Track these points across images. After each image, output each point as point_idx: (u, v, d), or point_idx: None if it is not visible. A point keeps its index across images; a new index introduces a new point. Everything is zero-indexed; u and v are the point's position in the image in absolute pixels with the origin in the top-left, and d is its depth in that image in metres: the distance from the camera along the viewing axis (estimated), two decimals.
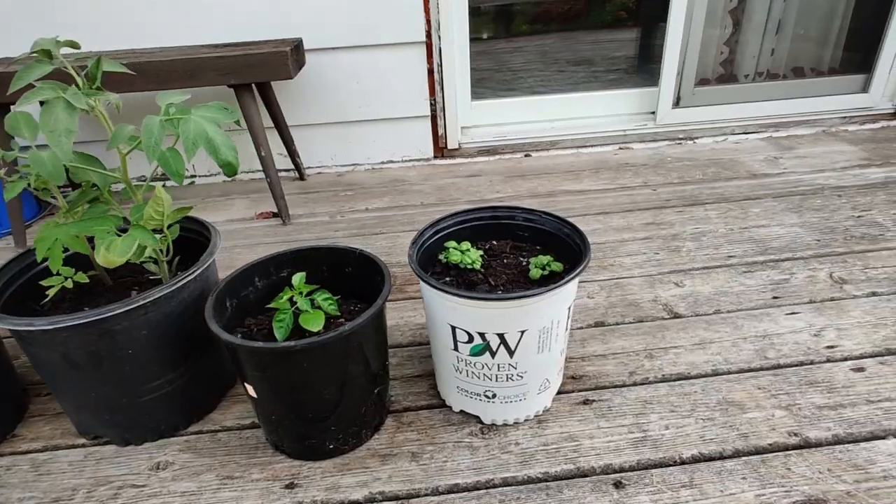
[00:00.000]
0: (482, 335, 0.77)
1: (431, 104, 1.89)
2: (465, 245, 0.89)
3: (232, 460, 0.85)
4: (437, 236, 0.92)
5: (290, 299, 0.81)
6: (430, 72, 1.83)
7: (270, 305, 0.81)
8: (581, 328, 1.09)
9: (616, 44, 3.34)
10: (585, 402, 0.91)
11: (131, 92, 1.38)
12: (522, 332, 0.77)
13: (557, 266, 0.86)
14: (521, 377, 0.82)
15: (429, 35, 1.77)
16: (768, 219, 1.45)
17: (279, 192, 1.56)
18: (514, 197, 1.68)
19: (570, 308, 0.82)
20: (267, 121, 1.74)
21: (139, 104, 1.76)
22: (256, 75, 1.41)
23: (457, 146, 1.98)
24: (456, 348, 0.81)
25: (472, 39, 1.96)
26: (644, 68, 2.42)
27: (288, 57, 1.40)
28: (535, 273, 0.85)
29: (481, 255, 0.91)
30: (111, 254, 0.66)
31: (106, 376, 0.79)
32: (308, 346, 0.70)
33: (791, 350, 0.99)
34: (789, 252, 1.30)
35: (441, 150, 1.98)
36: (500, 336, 0.77)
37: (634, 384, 0.95)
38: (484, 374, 0.82)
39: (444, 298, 0.76)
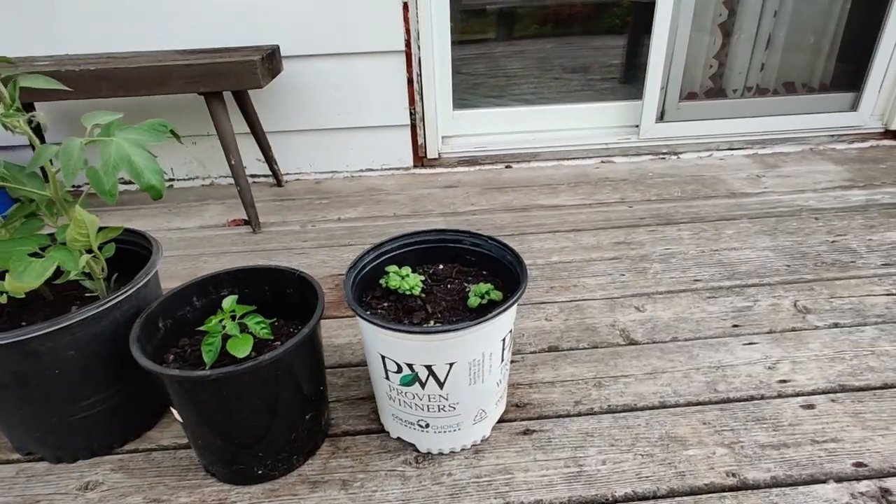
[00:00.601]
0: (410, 366, 0.76)
1: (411, 113, 1.87)
2: (406, 270, 0.88)
3: (161, 482, 0.84)
4: (379, 259, 0.91)
5: (222, 322, 0.80)
6: (410, 81, 1.82)
7: (201, 328, 0.80)
8: (534, 352, 1.08)
9: (617, 51, 3.31)
10: (526, 431, 0.90)
11: (98, 98, 1.38)
12: (451, 364, 0.75)
13: (497, 295, 0.84)
14: (454, 408, 0.80)
15: (408, 44, 1.76)
16: (741, 241, 1.43)
17: (249, 200, 1.56)
18: (489, 210, 1.66)
19: (504, 339, 0.80)
20: (244, 126, 1.73)
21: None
22: (224, 84, 1.40)
23: (436, 156, 1.96)
24: (387, 377, 0.80)
25: (472, 41, 1.93)
26: (631, 80, 2.40)
27: (257, 67, 1.39)
28: (473, 301, 0.83)
29: (423, 281, 0.89)
30: (21, 280, 0.66)
31: (33, 396, 0.79)
32: (224, 376, 0.69)
33: (742, 383, 0.97)
34: (756, 277, 1.27)
35: (421, 159, 1.96)
36: (428, 368, 0.75)
37: (579, 414, 0.93)
38: (416, 404, 0.80)
39: (373, 328, 0.75)
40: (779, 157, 1.95)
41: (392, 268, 0.88)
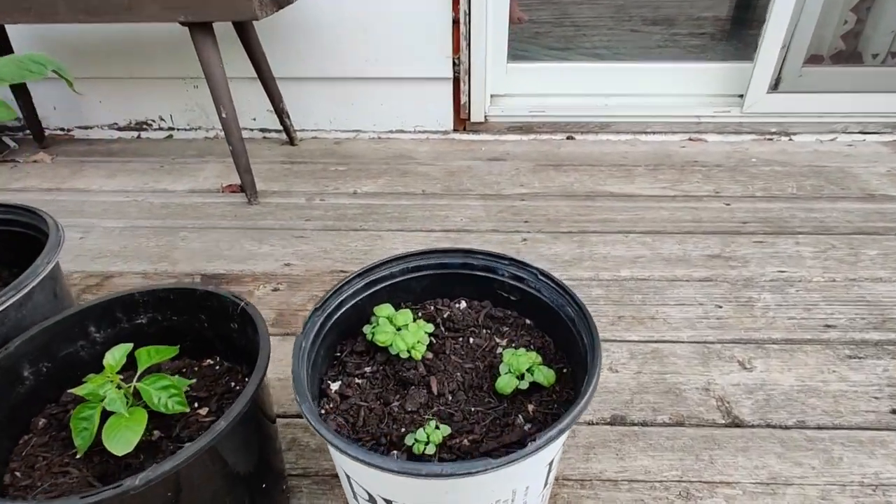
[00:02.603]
0: (388, 503, 0.45)
1: (454, 63, 1.51)
2: (405, 316, 0.56)
3: None
4: (369, 291, 0.59)
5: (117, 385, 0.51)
6: (456, 22, 1.44)
7: (75, 391, 0.51)
8: (591, 423, 0.75)
9: (706, 1, 2.81)
10: None
11: (55, 23, 1.09)
12: None
13: (546, 375, 0.52)
14: None
15: None
16: (890, 269, 1.03)
17: (244, 164, 1.26)
18: (542, 195, 1.31)
19: (553, 461, 0.48)
20: (249, 70, 1.42)
21: (78, 39, 1.48)
22: (211, 12, 1.08)
23: (482, 119, 1.60)
24: (357, 500, 0.49)
25: None
26: (737, 36, 1.93)
27: None
28: (506, 384, 0.51)
29: (431, 333, 0.57)
30: None
31: None
32: None
33: None
34: None
35: (463, 122, 1.61)
36: None
37: None
38: None
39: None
40: None
41: (383, 310, 0.56)
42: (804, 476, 0.68)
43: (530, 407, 0.51)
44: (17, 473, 0.50)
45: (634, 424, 0.75)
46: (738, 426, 0.74)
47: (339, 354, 0.57)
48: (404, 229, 1.19)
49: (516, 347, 0.57)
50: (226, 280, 1.05)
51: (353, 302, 0.58)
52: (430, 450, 0.46)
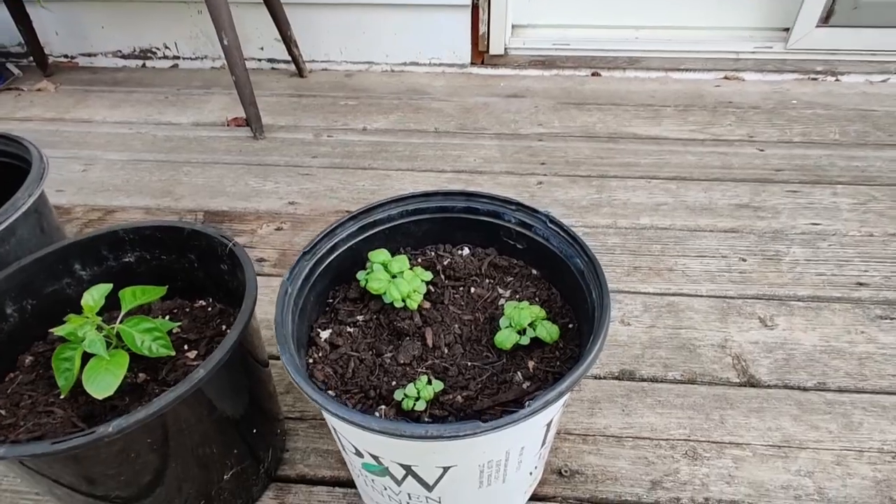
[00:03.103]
0: (376, 458, 0.43)
1: None
2: (400, 263, 0.52)
3: None
4: (364, 234, 0.56)
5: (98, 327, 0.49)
6: None
7: (55, 331, 0.49)
8: (598, 377, 0.73)
9: None
10: None
11: None
12: (446, 468, 0.42)
13: (549, 330, 0.48)
14: None
15: None
16: None
17: (248, 96, 1.20)
18: (561, 135, 1.24)
19: (551, 422, 0.45)
20: None
21: None
22: None
23: (502, 52, 1.50)
24: (345, 451, 0.48)
25: None
26: None
27: None
28: (505, 339, 0.48)
29: (429, 281, 0.54)
30: None
31: None
32: (29, 457, 0.38)
33: None
34: None
35: (481, 55, 1.51)
36: (407, 468, 0.42)
37: None
38: (390, 497, 0.49)
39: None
40: None
41: (378, 255, 0.53)
42: (819, 440, 0.65)
43: (531, 363, 0.48)
44: (2, 411, 0.49)
45: (643, 380, 0.72)
46: (753, 386, 0.71)
47: (331, 301, 0.54)
48: (414, 169, 1.14)
49: (520, 299, 0.53)
50: (229, 217, 1.02)
51: (346, 245, 0.54)
52: (420, 406, 0.43)
